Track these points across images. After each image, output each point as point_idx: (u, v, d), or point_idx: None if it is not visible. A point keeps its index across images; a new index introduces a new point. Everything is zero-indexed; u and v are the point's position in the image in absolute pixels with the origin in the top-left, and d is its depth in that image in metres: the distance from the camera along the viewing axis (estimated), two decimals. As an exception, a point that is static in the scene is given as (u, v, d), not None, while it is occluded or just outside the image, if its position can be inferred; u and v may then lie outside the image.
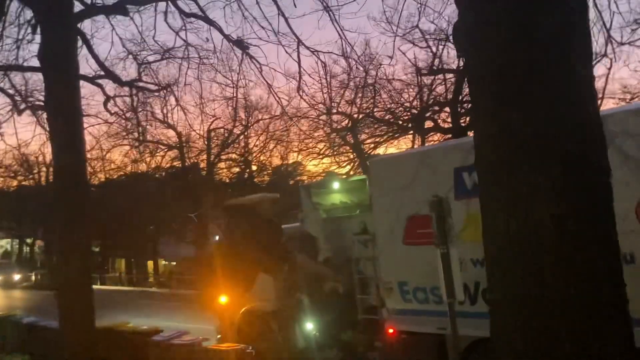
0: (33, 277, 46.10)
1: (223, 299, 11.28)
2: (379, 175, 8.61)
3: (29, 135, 49.97)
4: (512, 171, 3.50)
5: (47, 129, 15.10)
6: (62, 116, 8.89)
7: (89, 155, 32.36)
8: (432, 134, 22.95)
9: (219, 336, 11.20)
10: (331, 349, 9.97)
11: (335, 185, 11.00)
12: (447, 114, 22.19)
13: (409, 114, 22.90)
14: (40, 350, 11.26)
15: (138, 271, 44.49)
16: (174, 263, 47.20)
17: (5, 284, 44.04)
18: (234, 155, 37.83)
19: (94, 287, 10.07)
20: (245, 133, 34.86)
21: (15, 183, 46.73)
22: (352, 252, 9.31)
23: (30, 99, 16.25)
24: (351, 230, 9.38)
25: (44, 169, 43.64)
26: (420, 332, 7.83)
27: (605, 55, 16.43)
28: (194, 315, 18.22)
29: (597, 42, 12.64)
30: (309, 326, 9.84)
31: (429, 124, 22.95)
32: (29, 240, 55.75)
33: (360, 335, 9.42)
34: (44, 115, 14.89)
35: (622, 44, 16.75)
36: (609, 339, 3.27)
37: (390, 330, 8.26)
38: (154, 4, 12.29)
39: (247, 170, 37.35)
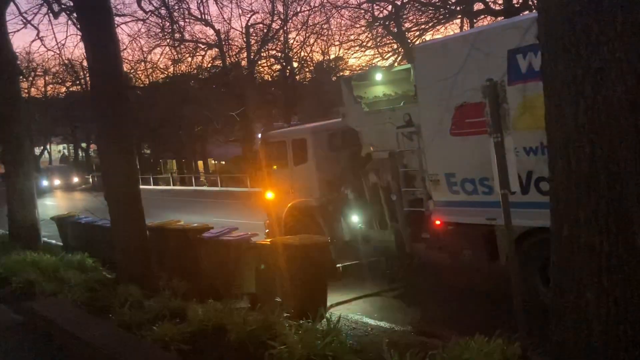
0: (90, 180, 48.29)
1: (270, 195, 11.38)
2: (425, 62, 8.04)
3: (70, 41, 49.92)
4: (583, 44, 3.03)
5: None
6: (92, 15, 8.54)
7: (130, 59, 32.30)
8: (482, 17, 21.43)
9: (267, 230, 11.43)
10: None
11: (378, 76, 10.44)
12: (498, -7, 20.55)
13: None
14: (98, 249, 11.76)
15: (189, 171, 45.84)
16: (223, 162, 48.34)
17: (66, 187, 46.53)
18: (274, 52, 36.93)
19: (147, 187, 10.17)
20: (285, 28, 33.70)
21: (63, 89, 47.75)
22: (396, 145, 9.00)
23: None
24: (395, 123, 9.00)
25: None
26: (469, 223, 7.66)
27: None
28: (244, 211, 18.77)
29: None
30: (354, 219, 9.83)
31: (478, 6, 21.41)
32: (83, 145, 57.88)
33: (405, 228, 9.36)
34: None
35: None
36: None
37: (437, 222, 8.13)
38: None
39: (288, 67, 36.53)
